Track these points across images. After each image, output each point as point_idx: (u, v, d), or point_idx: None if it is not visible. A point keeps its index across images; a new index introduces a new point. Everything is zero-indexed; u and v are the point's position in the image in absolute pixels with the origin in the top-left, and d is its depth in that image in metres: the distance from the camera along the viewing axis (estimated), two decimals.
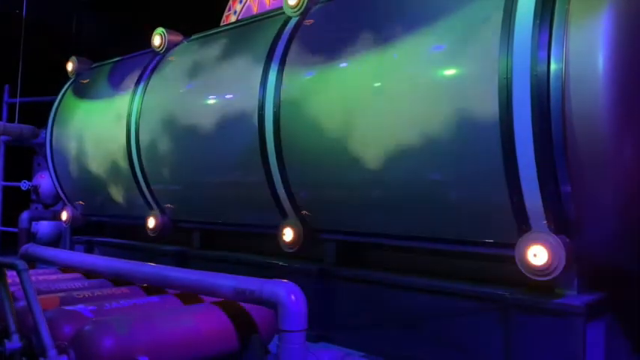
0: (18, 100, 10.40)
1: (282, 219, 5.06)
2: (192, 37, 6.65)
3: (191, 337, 3.14)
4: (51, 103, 8.35)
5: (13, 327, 3.20)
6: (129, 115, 6.51)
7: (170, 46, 6.70)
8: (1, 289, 3.30)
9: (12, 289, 3.43)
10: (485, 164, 3.68)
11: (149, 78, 6.55)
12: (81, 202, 7.87)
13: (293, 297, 2.83)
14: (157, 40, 6.75)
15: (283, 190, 4.97)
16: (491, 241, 3.87)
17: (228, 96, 5.54)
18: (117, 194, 7.05)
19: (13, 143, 10.40)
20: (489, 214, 3.80)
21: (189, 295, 3.73)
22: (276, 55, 5.06)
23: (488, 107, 3.60)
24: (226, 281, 3.16)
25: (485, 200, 3.78)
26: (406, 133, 4.04)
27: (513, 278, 3.67)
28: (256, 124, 5.02)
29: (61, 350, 2.90)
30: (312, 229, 4.92)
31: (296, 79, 4.86)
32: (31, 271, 3.73)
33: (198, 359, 3.17)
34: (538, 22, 3.47)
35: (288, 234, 4.96)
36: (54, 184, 8.28)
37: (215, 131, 5.46)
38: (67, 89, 8.28)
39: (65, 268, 4.92)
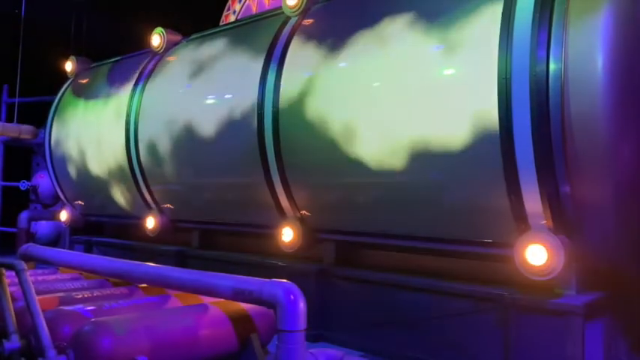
0: (17, 100, 10.39)
1: (281, 219, 5.06)
2: (192, 36, 6.65)
3: (190, 337, 3.14)
4: (50, 103, 8.35)
5: (12, 327, 3.19)
6: (128, 115, 6.51)
7: (169, 46, 6.70)
8: (0, 290, 3.30)
9: (11, 289, 3.43)
10: (484, 164, 3.68)
11: (148, 78, 6.55)
12: (80, 202, 7.87)
13: (292, 297, 2.83)
14: (156, 40, 6.75)
15: (282, 190, 4.97)
16: (490, 241, 3.87)
17: (227, 96, 5.54)
18: (116, 194, 7.04)
19: (12, 143, 10.39)
20: (488, 214, 3.81)
21: (188, 295, 3.73)
22: (275, 55, 5.06)
23: (487, 107, 3.61)
24: (225, 281, 3.15)
25: (485, 200, 3.78)
26: (405, 133, 4.05)
27: (512, 278, 3.68)
28: (255, 123, 5.02)
29: (60, 350, 2.89)
30: (311, 229, 4.92)
31: (295, 79, 4.85)
32: (30, 272, 3.72)
33: (198, 359, 3.17)
34: (537, 21, 3.48)
35: (287, 234, 4.96)
36: (53, 184, 8.28)
37: (214, 131, 5.46)
38: (66, 89, 8.28)
39: (64, 269, 4.91)
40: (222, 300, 3.42)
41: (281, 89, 4.89)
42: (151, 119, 6.28)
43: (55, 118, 8.04)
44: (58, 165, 7.92)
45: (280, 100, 4.87)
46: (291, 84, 4.86)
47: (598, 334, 3.55)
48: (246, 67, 5.31)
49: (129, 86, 6.72)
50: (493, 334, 3.72)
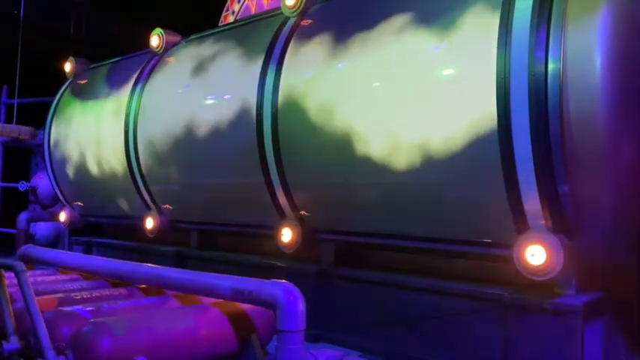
0: (16, 100, 10.39)
1: (281, 219, 5.06)
2: (191, 37, 6.65)
3: (189, 337, 3.14)
4: (49, 104, 8.34)
5: (11, 328, 3.19)
6: (127, 116, 6.51)
7: (168, 47, 6.70)
8: (0, 291, 3.30)
9: (10, 290, 3.43)
10: (483, 164, 3.68)
11: (147, 78, 6.55)
12: (79, 203, 7.86)
13: (291, 297, 2.83)
14: (154, 41, 6.75)
15: (281, 191, 4.97)
16: (490, 241, 3.87)
17: (226, 96, 5.54)
18: (115, 195, 7.04)
19: (11, 144, 10.39)
20: (487, 214, 3.81)
21: (188, 296, 3.72)
22: (274, 56, 5.06)
23: (486, 107, 3.61)
24: (224, 282, 3.15)
25: (484, 200, 3.79)
26: (404, 134, 4.05)
27: (512, 278, 3.68)
28: (254, 124, 5.02)
29: (59, 351, 2.89)
30: (311, 229, 4.92)
31: (294, 79, 4.85)
32: (30, 272, 3.72)
33: None
34: (535, 22, 3.48)
35: (286, 234, 4.96)
36: (52, 185, 8.27)
37: (213, 132, 5.46)
38: (65, 90, 8.27)
39: (63, 269, 4.91)
40: (221, 300, 3.42)
41: (280, 90, 4.89)
42: (150, 120, 6.28)
43: (54, 118, 8.04)
44: (57, 166, 7.91)
45: (279, 100, 4.87)
46: (290, 84, 4.86)
47: (597, 334, 3.55)
48: (245, 68, 5.31)
49: (128, 87, 6.72)
50: (493, 334, 3.72)
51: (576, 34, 3.39)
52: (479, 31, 3.76)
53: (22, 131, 9.79)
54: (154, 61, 6.72)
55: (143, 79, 6.60)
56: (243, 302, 3.22)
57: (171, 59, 6.54)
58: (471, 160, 3.74)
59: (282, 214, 5.07)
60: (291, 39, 5.06)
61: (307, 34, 5.00)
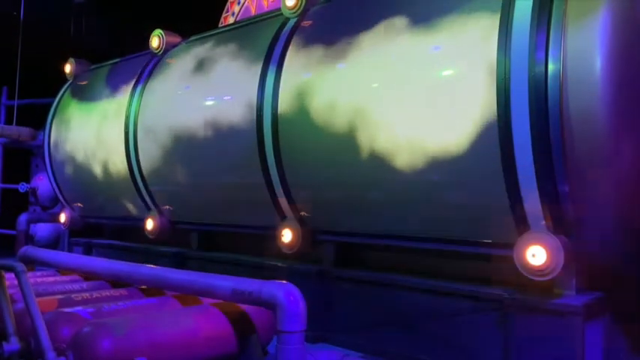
0: (16, 102, 10.40)
1: (281, 220, 5.06)
2: (191, 38, 6.65)
3: (189, 338, 3.14)
4: (49, 105, 8.34)
5: (11, 329, 3.19)
6: (127, 117, 6.51)
7: (168, 48, 6.70)
8: (0, 292, 3.30)
9: (10, 291, 3.43)
10: (483, 164, 3.68)
11: (147, 80, 6.55)
12: (79, 204, 7.86)
13: (291, 298, 2.83)
14: (155, 42, 6.76)
15: (282, 191, 4.97)
16: (490, 241, 3.87)
17: (226, 97, 5.54)
18: (115, 196, 7.04)
19: (11, 145, 10.39)
20: (488, 215, 3.81)
21: (188, 297, 3.73)
22: (275, 57, 5.07)
23: (486, 107, 3.61)
24: (225, 282, 3.16)
25: (484, 200, 3.78)
26: (404, 134, 4.05)
27: (512, 278, 3.68)
28: (254, 125, 5.02)
29: (59, 352, 2.89)
30: (311, 230, 4.92)
31: (294, 80, 4.86)
32: (30, 274, 3.72)
33: None
34: (535, 22, 3.48)
35: (286, 235, 4.96)
36: (52, 186, 8.27)
37: (213, 133, 5.46)
38: (65, 91, 8.27)
39: (63, 270, 4.92)
40: (221, 301, 3.42)
41: (280, 91, 4.89)
42: (150, 121, 6.28)
43: (54, 120, 8.04)
44: (57, 167, 7.91)
45: (279, 101, 4.88)
46: (290, 85, 4.86)
47: (598, 334, 3.55)
48: (245, 69, 5.32)
49: (128, 88, 6.72)
50: (493, 335, 3.71)
51: (576, 34, 3.39)
52: (479, 31, 3.76)
53: (22, 132, 9.79)
54: (153, 62, 6.72)
55: (143, 80, 6.60)
56: (244, 303, 3.22)
57: (171, 60, 6.54)
58: (471, 161, 3.74)
59: (282, 214, 5.07)
60: (291, 40, 5.07)
61: (307, 35, 5.00)
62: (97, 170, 7.06)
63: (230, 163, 5.40)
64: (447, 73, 3.92)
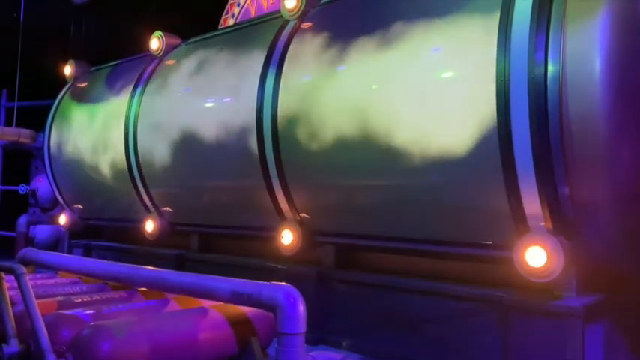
0: (16, 103, 10.40)
1: (281, 222, 5.06)
2: (190, 40, 6.66)
3: (189, 340, 3.14)
4: (49, 107, 8.35)
5: (11, 331, 3.19)
6: (127, 119, 6.51)
7: (168, 50, 6.70)
8: (0, 294, 3.29)
9: (10, 293, 3.42)
10: (483, 166, 3.69)
11: (147, 81, 6.55)
12: (79, 206, 7.86)
13: (291, 300, 2.83)
14: (154, 44, 6.76)
15: (282, 193, 4.97)
16: (490, 242, 3.87)
17: (226, 99, 5.55)
18: (115, 198, 7.04)
19: (11, 147, 10.40)
20: (487, 216, 3.81)
21: (188, 299, 3.72)
22: (274, 58, 5.07)
23: (486, 109, 3.61)
24: (225, 284, 3.15)
25: (484, 202, 3.79)
26: (404, 136, 4.05)
27: (512, 280, 3.68)
28: (254, 127, 5.02)
29: (59, 354, 2.89)
30: (311, 231, 4.92)
31: (294, 82, 4.86)
32: (30, 275, 3.72)
33: None
34: (535, 24, 3.49)
35: (286, 237, 4.96)
36: (52, 188, 8.27)
37: (213, 135, 5.46)
38: (65, 93, 8.28)
39: (63, 272, 4.91)
40: (221, 303, 3.41)
41: (280, 92, 4.90)
42: (149, 122, 6.28)
43: (54, 122, 8.05)
44: (57, 169, 7.92)
45: (279, 103, 4.88)
46: (289, 87, 4.87)
47: (598, 336, 3.55)
48: (245, 71, 5.32)
49: (128, 90, 6.73)
50: (493, 336, 3.71)
51: (575, 36, 3.40)
52: (478, 33, 3.76)
53: (22, 134, 9.80)
54: (153, 64, 6.73)
55: (143, 82, 6.60)
56: (244, 305, 3.22)
57: (171, 62, 6.55)
58: (471, 162, 3.74)
59: (282, 216, 5.07)
60: (290, 42, 5.07)
61: (307, 37, 5.00)
62: (97, 172, 7.07)
63: (230, 165, 5.40)
64: (447, 74, 3.93)
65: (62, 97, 8.24)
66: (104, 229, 7.93)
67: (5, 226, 10.17)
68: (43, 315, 3.04)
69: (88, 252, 7.65)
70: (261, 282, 3.04)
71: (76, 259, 5.07)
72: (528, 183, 3.49)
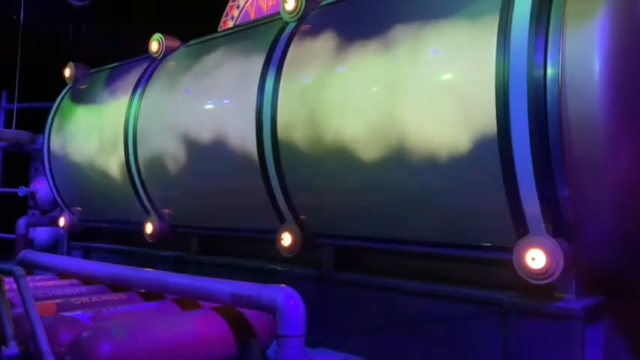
0: (15, 105, 10.41)
1: (280, 224, 5.06)
2: (190, 42, 6.66)
3: (189, 342, 3.14)
4: (48, 109, 8.34)
5: (10, 333, 3.19)
6: (126, 121, 6.51)
7: (168, 52, 6.71)
8: None
9: (9, 295, 3.42)
10: (482, 167, 3.69)
11: (147, 84, 6.55)
12: (78, 208, 7.86)
13: (291, 302, 2.83)
14: (154, 46, 6.76)
15: (281, 195, 4.97)
16: (489, 244, 3.87)
17: (225, 101, 5.55)
18: (114, 200, 7.04)
19: (10, 149, 10.39)
20: (487, 218, 3.81)
21: (187, 301, 3.72)
22: (274, 60, 5.07)
23: (485, 111, 3.61)
24: (224, 286, 3.15)
25: (483, 204, 3.79)
26: (404, 138, 4.05)
27: (511, 282, 3.68)
28: (254, 129, 5.02)
29: (58, 357, 2.89)
30: (311, 233, 4.92)
31: (293, 84, 4.86)
32: (29, 278, 3.72)
33: None
34: (534, 26, 3.49)
35: (286, 239, 4.95)
36: (51, 190, 8.26)
37: (213, 136, 5.46)
38: (64, 95, 8.28)
39: (63, 274, 4.91)
40: (221, 305, 3.41)
41: (279, 94, 4.90)
42: (149, 125, 6.28)
43: (54, 124, 8.04)
44: (57, 171, 7.91)
45: (279, 105, 4.88)
46: (289, 89, 4.87)
47: (598, 337, 3.55)
48: (245, 73, 5.32)
49: (127, 92, 6.73)
50: (492, 338, 3.71)
51: (575, 37, 3.40)
52: (477, 35, 3.77)
53: (21, 136, 9.79)
54: (153, 66, 6.73)
55: (142, 84, 6.60)
56: (243, 307, 3.22)
57: (170, 64, 6.55)
58: (470, 164, 3.74)
59: (281, 218, 5.07)
60: (290, 44, 5.08)
61: (307, 39, 5.01)
62: (97, 174, 7.06)
63: (229, 167, 5.40)
64: (446, 76, 3.93)
65: (62, 99, 8.24)
66: (104, 231, 7.92)
67: (4, 228, 10.16)
68: (42, 317, 3.04)
69: (87, 254, 7.64)
70: (260, 284, 3.04)
71: (76, 261, 5.07)
72: (528, 185, 3.48)
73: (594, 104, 3.30)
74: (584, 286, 3.60)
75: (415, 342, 4.10)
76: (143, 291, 4.09)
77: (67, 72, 8.37)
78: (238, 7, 8.87)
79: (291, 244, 4.92)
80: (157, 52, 6.74)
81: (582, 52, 3.36)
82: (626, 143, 3.38)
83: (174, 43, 6.76)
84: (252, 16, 8.50)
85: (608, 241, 3.51)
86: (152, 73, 6.63)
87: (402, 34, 4.21)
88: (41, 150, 8.34)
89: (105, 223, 7.62)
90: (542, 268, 3.41)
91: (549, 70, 3.42)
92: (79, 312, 3.35)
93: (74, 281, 4.71)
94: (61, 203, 8.17)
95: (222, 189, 5.64)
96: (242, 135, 5.17)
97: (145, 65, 6.86)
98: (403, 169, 4.09)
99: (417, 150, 3.97)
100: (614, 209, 3.42)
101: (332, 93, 4.56)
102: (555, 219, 3.50)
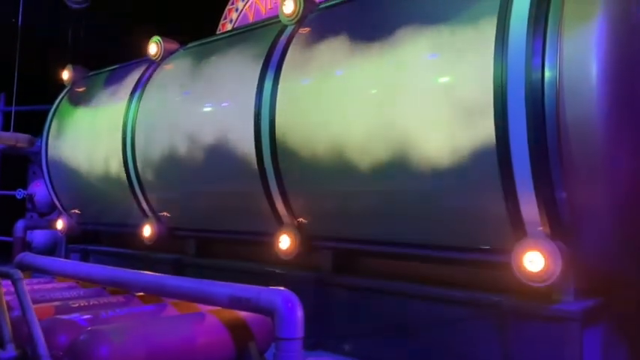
0: (13, 108, 10.39)
1: (279, 227, 5.06)
2: (189, 45, 6.67)
3: (187, 345, 3.13)
4: (47, 112, 8.34)
5: (7, 336, 3.18)
6: (125, 124, 6.51)
7: (166, 55, 6.71)
8: None
9: (7, 298, 3.41)
10: (480, 171, 3.69)
11: (145, 86, 6.55)
12: (76, 211, 7.85)
13: (289, 305, 2.82)
14: (153, 49, 6.77)
15: (279, 198, 4.97)
16: (488, 247, 3.87)
17: (224, 104, 5.55)
18: (113, 202, 7.03)
19: (8, 152, 10.37)
20: (485, 221, 3.81)
21: (186, 304, 3.71)
22: (272, 63, 5.08)
23: (483, 114, 3.62)
24: (222, 289, 3.15)
25: (481, 207, 3.79)
26: (402, 141, 4.06)
27: (510, 284, 3.68)
28: (252, 132, 5.02)
29: None
30: (309, 236, 4.92)
31: (292, 87, 4.87)
32: (27, 280, 3.71)
33: None
34: (532, 29, 3.50)
35: (284, 242, 4.95)
36: (49, 193, 8.25)
37: (211, 139, 5.46)
38: (62, 98, 8.27)
39: (61, 277, 4.90)
40: (219, 308, 3.41)
41: (278, 97, 4.90)
42: (147, 127, 6.28)
43: (52, 126, 8.04)
44: (55, 174, 7.90)
45: (277, 108, 4.88)
46: (288, 92, 4.87)
47: (596, 340, 3.55)
48: (243, 76, 5.33)
49: (126, 94, 6.73)
50: (491, 341, 3.71)
51: (572, 40, 3.41)
52: (475, 38, 3.77)
53: (19, 139, 9.77)
54: (151, 68, 6.73)
55: (141, 86, 6.60)
56: (241, 310, 3.21)
57: (169, 67, 6.55)
58: (468, 167, 3.75)
59: (280, 221, 5.07)
60: (289, 46, 5.08)
61: (305, 42, 5.01)
62: (95, 177, 7.06)
63: (228, 170, 5.40)
64: (444, 80, 3.93)
65: (60, 102, 8.24)
66: (102, 233, 7.91)
67: (2, 231, 10.13)
68: (40, 320, 3.03)
69: (85, 257, 7.63)
70: (259, 287, 3.04)
71: (74, 264, 5.06)
72: (526, 187, 3.49)
73: (592, 107, 3.31)
74: (582, 289, 3.61)
75: (413, 345, 4.10)
76: (141, 294, 4.08)
77: (66, 74, 8.37)
78: (237, 10, 8.89)
79: (289, 247, 4.92)
80: (155, 55, 6.74)
81: (580, 55, 3.37)
82: (624, 146, 3.39)
83: (172, 45, 6.76)
84: (251, 19, 8.52)
85: (606, 244, 3.52)
86: (150, 75, 6.63)
87: (401, 38, 4.22)
88: (39, 153, 8.33)
89: (103, 225, 7.61)
90: (541, 270, 3.42)
91: (547, 73, 3.43)
92: (76, 315, 3.34)
93: (72, 284, 4.70)
94: (59, 206, 8.15)
95: (220, 192, 5.63)
96: (240, 138, 5.17)
97: (143, 68, 6.86)
98: (401, 172, 4.09)
99: (415, 153, 3.97)
100: (612, 212, 3.42)
101: (331, 96, 4.57)
102: (553, 221, 3.51)
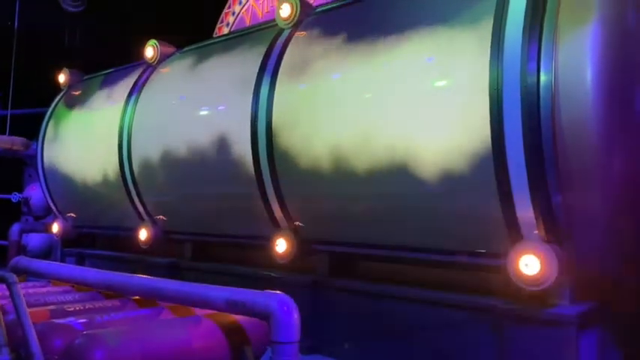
0: (9, 111, 10.37)
1: (275, 230, 5.05)
2: (185, 48, 6.67)
3: (183, 349, 3.12)
4: (42, 115, 8.33)
5: (2, 340, 3.16)
6: (121, 127, 6.50)
7: (162, 58, 6.71)
8: None
9: (2, 302, 3.40)
10: (476, 174, 3.70)
11: (141, 90, 6.55)
12: (72, 214, 7.82)
13: (285, 308, 2.82)
14: (149, 52, 6.77)
15: (276, 202, 4.97)
16: (483, 251, 3.88)
17: (220, 108, 5.55)
18: (108, 206, 7.01)
19: (4, 155, 10.34)
20: (481, 224, 3.82)
21: (181, 308, 3.70)
22: (269, 67, 5.09)
23: (479, 118, 3.63)
24: (218, 293, 3.14)
25: (477, 210, 3.80)
26: (398, 145, 4.06)
27: (506, 288, 3.68)
28: (249, 135, 5.03)
29: None
30: (305, 240, 4.91)
31: (288, 90, 4.87)
32: (21, 284, 3.69)
33: None
34: (527, 34, 3.52)
35: (280, 245, 4.95)
36: (45, 196, 8.23)
37: (207, 143, 5.46)
38: (58, 101, 8.26)
39: (56, 281, 4.88)
40: (215, 312, 3.40)
41: (274, 101, 4.91)
42: (144, 131, 6.28)
43: (48, 130, 8.02)
44: (50, 177, 7.88)
45: (274, 111, 4.89)
46: (284, 96, 4.88)
47: (592, 344, 3.56)
48: (240, 79, 5.33)
49: (122, 98, 6.72)
50: (487, 345, 3.71)
51: (568, 45, 3.43)
52: (471, 42, 3.79)
53: (15, 142, 9.75)
54: (148, 72, 6.73)
55: (137, 90, 6.60)
56: (237, 313, 3.20)
57: (165, 70, 6.55)
58: (464, 171, 3.76)
59: (276, 225, 5.07)
60: (285, 50, 5.09)
61: (301, 46, 5.02)
62: (90, 180, 7.04)
63: (224, 173, 5.40)
64: (440, 84, 3.95)
65: (56, 105, 8.23)
66: (97, 237, 7.89)
67: None
68: (34, 324, 3.02)
69: (80, 260, 7.61)
70: (254, 290, 3.03)
71: (69, 268, 5.04)
72: (522, 191, 3.50)
73: (587, 111, 3.33)
74: (577, 292, 3.61)
75: (409, 348, 4.10)
76: (137, 298, 4.07)
77: (62, 78, 8.36)
78: (234, 13, 8.90)
79: (285, 250, 4.92)
80: (152, 58, 6.74)
81: (575, 60, 3.39)
82: (619, 150, 3.41)
83: (169, 49, 6.77)
84: (248, 23, 8.53)
85: (602, 247, 3.53)
86: (147, 79, 6.63)
87: (397, 42, 4.23)
88: (35, 156, 8.31)
89: (98, 229, 7.59)
90: (536, 274, 3.42)
91: (542, 78, 3.44)
92: (72, 319, 3.33)
93: (67, 288, 4.68)
94: (54, 209, 8.13)
95: (216, 195, 5.63)
96: (237, 141, 5.17)
97: (139, 71, 6.86)
98: (397, 176, 4.09)
99: (411, 157, 3.98)
100: (607, 215, 3.44)
101: (327, 100, 4.57)
102: (549, 225, 3.52)
